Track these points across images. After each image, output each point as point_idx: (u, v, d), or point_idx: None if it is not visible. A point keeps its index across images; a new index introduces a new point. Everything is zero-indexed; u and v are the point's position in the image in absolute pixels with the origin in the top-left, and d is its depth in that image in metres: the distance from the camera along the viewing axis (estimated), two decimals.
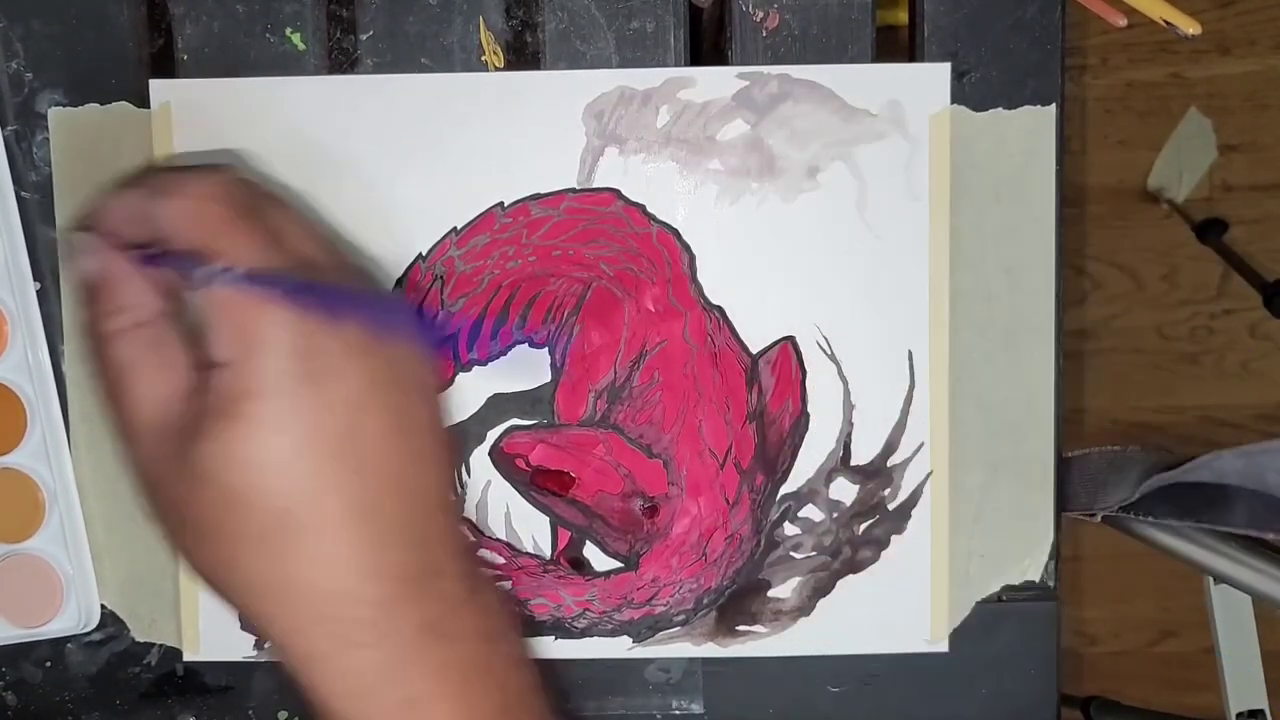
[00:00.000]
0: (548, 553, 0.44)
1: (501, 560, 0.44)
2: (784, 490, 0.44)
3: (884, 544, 0.44)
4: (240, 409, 0.31)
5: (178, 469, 0.32)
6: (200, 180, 0.33)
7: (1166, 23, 0.40)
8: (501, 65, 0.43)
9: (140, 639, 0.45)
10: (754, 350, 0.44)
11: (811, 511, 0.44)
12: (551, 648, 0.45)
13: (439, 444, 0.34)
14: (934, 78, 0.42)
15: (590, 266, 0.43)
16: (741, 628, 0.45)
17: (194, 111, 0.42)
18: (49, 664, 0.46)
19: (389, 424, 0.32)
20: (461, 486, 0.44)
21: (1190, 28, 0.40)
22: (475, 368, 0.44)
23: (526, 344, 0.44)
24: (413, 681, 0.32)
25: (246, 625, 0.45)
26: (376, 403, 0.32)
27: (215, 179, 0.33)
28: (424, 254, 0.43)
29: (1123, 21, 0.40)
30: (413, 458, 0.33)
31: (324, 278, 0.33)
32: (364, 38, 0.43)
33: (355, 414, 0.31)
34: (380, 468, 0.32)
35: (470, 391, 0.44)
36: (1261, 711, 0.76)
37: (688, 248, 0.43)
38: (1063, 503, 0.45)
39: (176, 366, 0.33)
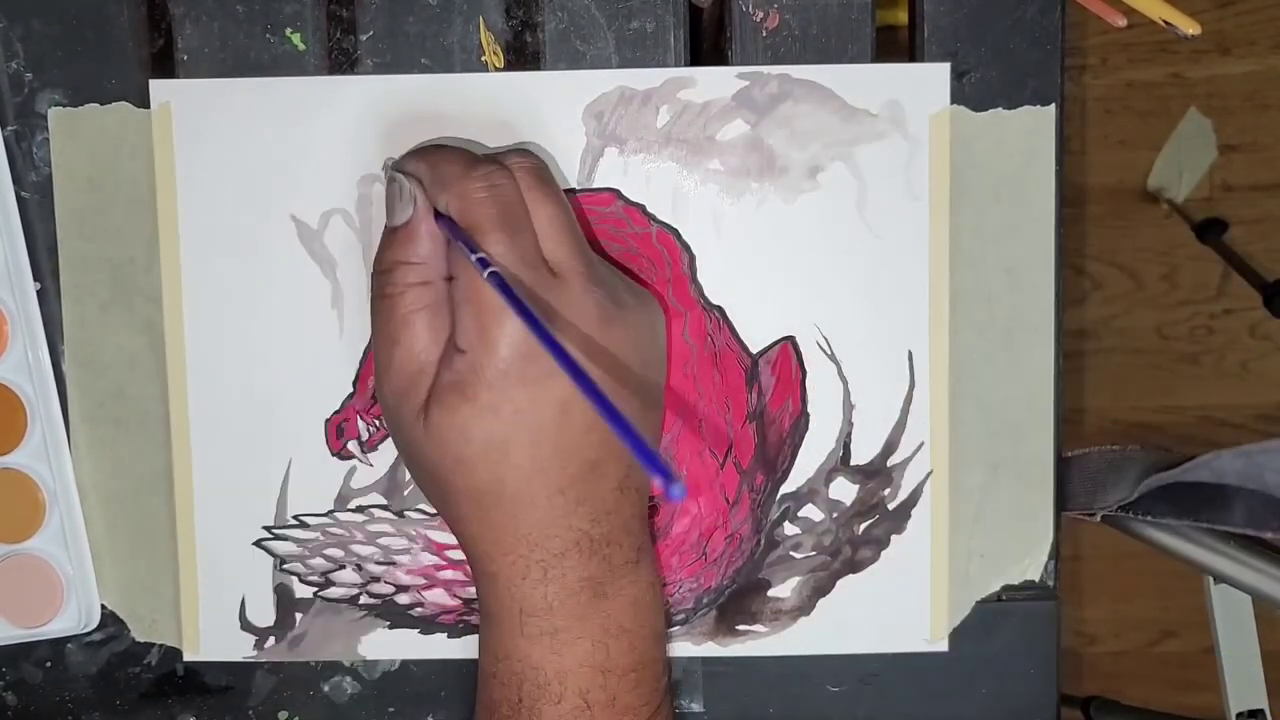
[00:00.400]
0: None
1: None
2: (784, 490, 0.44)
3: (884, 544, 0.44)
4: (471, 393, 0.36)
5: (415, 421, 0.37)
6: (485, 174, 0.37)
7: (1166, 23, 0.40)
8: (501, 65, 0.43)
9: (140, 639, 0.45)
10: (754, 350, 0.44)
11: (811, 511, 0.44)
12: None
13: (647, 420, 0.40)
14: (934, 78, 0.42)
15: None
16: (741, 627, 0.45)
17: (194, 111, 0.42)
18: (49, 664, 0.46)
19: (592, 420, 0.37)
20: None
21: (1190, 28, 0.40)
22: None
23: None
24: (563, 619, 0.38)
25: (246, 626, 0.45)
26: (583, 403, 0.36)
27: (496, 175, 0.37)
28: None
29: (1122, 22, 0.40)
30: (609, 449, 0.38)
31: (569, 295, 0.37)
32: (364, 38, 0.43)
33: (564, 411, 0.37)
34: (579, 455, 0.37)
35: None
36: (1261, 711, 0.76)
37: (688, 248, 0.43)
38: (1062, 502, 0.45)
39: (441, 331, 0.37)
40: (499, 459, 0.37)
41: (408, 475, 0.44)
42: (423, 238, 0.37)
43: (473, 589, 0.44)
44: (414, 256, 0.37)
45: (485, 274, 0.34)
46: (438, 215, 0.37)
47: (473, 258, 0.35)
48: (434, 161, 0.38)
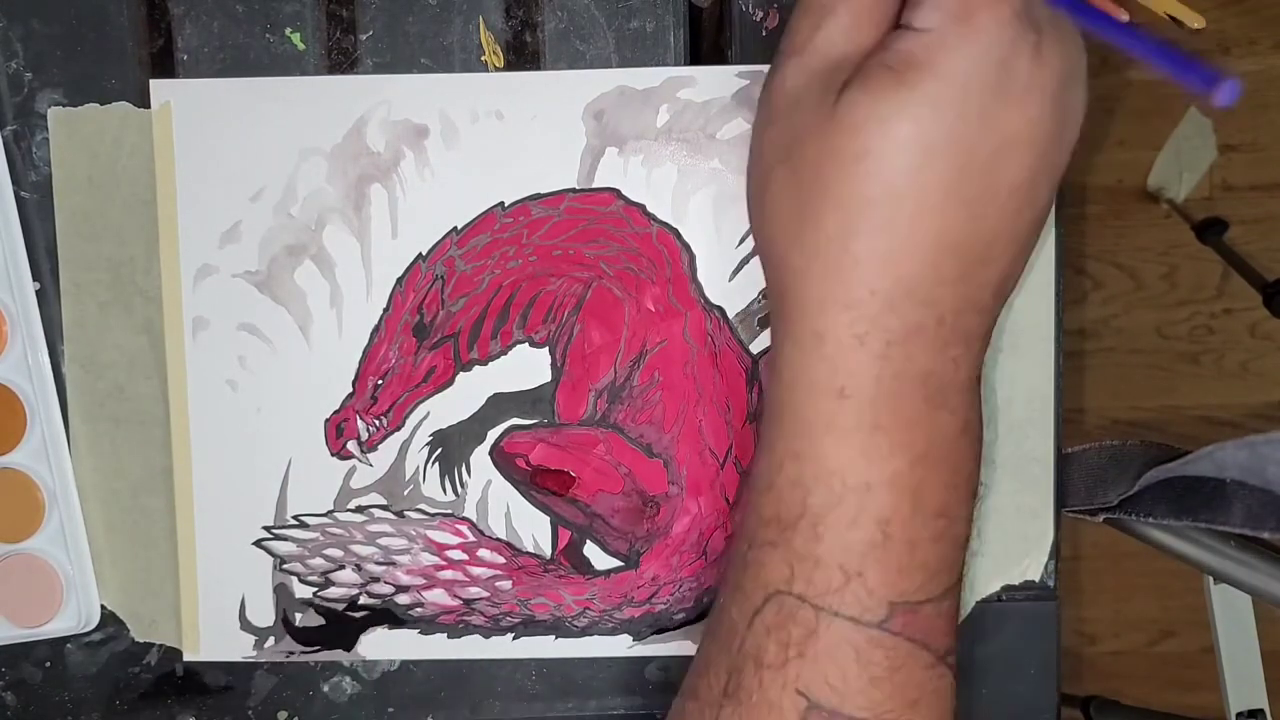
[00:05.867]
0: (548, 552, 0.44)
1: (502, 560, 0.44)
2: None
3: None
4: (912, 78, 0.29)
5: (816, 103, 0.30)
6: None
7: (1170, 17, 0.40)
8: (501, 65, 0.43)
9: (140, 639, 0.45)
10: (754, 350, 0.44)
11: None
12: (552, 647, 0.45)
13: (1044, 219, 0.32)
14: None
15: (591, 266, 0.43)
16: None
17: (194, 111, 0.42)
18: (49, 664, 0.46)
19: (1023, 180, 0.30)
20: (462, 486, 0.44)
21: (1195, 22, 0.40)
22: (476, 367, 0.44)
23: (527, 344, 0.44)
24: (888, 416, 0.31)
25: (246, 626, 0.45)
26: (1029, 155, 0.30)
27: None
28: (424, 254, 0.43)
29: (1125, 17, 0.40)
30: (1023, 220, 0.31)
31: None
32: (364, 38, 0.43)
33: (1004, 155, 0.29)
34: (987, 219, 0.30)
35: (471, 391, 0.44)
36: (1261, 711, 0.76)
37: (688, 247, 0.43)
38: (1062, 501, 0.45)
39: (880, 23, 0.31)
40: (910, 171, 0.29)
41: (407, 475, 0.44)
42: None
43: (473, 589, 0.44)
44: None
45: None
46: None
47: None
48: None
